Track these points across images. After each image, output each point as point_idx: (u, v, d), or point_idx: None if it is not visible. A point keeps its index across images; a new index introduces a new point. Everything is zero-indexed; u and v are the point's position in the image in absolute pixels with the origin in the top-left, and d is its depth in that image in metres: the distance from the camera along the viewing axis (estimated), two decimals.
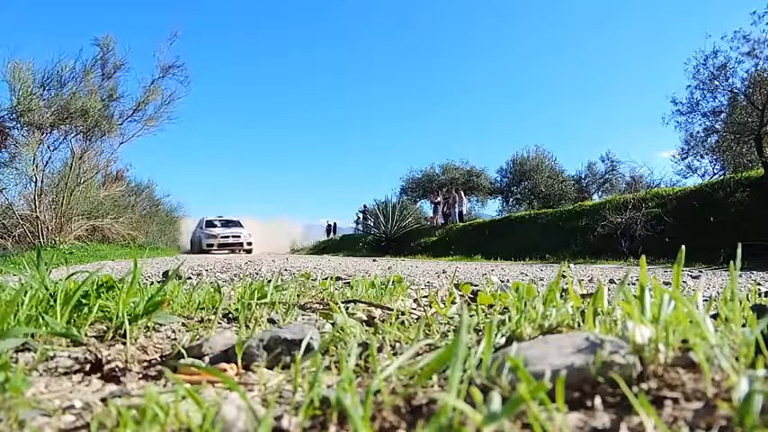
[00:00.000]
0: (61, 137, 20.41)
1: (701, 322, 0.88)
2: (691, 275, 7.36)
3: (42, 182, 20.37)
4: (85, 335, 1.42)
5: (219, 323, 1.81)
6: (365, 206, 33.53)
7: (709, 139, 23.88)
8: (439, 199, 29.69)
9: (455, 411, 0.66)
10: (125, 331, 1.32)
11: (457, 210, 28.24)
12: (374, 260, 17.22)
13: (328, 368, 1.16)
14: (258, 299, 2.05)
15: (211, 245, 27.51)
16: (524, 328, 1.20)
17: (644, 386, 0.79)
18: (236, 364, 1.19)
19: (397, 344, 1.38)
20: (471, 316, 1.59)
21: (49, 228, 20.30)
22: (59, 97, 19.14)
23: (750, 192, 14.73)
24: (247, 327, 1.65)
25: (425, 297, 2.63)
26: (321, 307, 2.19)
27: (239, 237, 28.27)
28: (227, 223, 29.86)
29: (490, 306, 2.12)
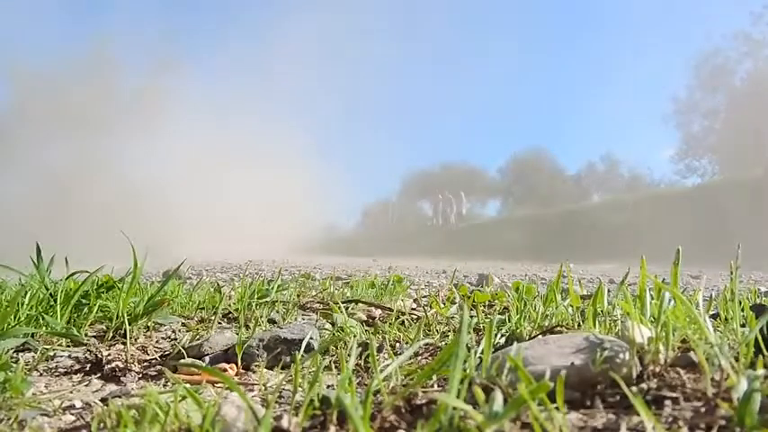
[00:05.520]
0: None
1: (700, 322, 0.88)
2: (690, 275, 7.36)
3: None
4: (86, 335, 1.42)
5: (219, 323, 1.81)
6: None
7: (708, 138, 23.91)
8: (439, 198, 29.71)
9: (455, 411, 0.66)
10: (125, 331, 1.32)
11: (455, 210, 28.26)
12: (374, 260, 17.23)
13: (328, 368, 1.16)
14: (258, 299, 2.04)
15: None
16: (524, 328, 1.20)
17: (644, 386, 0.79)
18: (236, 363, 1.19)
19: (397, 344, 1.38)
20: (471, 316, 1.59)
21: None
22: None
23: (749, 191, 14.75)
24: (247, 327, 1.65)
25: (425, 297, 2.64)
26: (321, 307, 2.19)
27: None
28: None
29: (490, 306, 2.12)
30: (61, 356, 1.26)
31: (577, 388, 0.81)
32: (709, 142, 23.80)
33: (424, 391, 0.84)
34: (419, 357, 1.21)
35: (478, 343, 0.97)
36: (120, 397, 0.98)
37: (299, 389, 0.94)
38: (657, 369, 0.83)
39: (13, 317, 1.32)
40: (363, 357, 1.17)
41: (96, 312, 1.51)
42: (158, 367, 1.19)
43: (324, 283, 2.99)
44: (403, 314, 1.70)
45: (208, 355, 1.27)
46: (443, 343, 1.31)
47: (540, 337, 1.12)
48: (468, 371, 0.85)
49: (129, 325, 1.43)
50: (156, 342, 1.45)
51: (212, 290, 2.21)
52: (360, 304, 2.07)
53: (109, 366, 1.16)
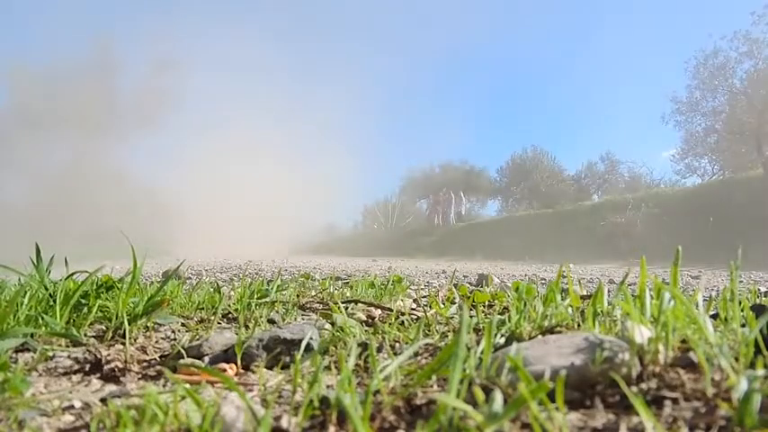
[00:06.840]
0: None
1: (700, 322, 0.88)
2: (690, 275, 7.37)
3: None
4: (85, 335, 1.42)
5: (219, 323, 1.81)
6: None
7: (708, 138, 23.90)
8: (439, 198, 29.69)
9: (455, 411, 0.66)
10: (124, 331, 1.32)
11: (454, 210, 28.27)
12: (374, 260, 17.23)
13: (328, 368, 1.16)
14: (258, 299, 2.04)
15: None
16: (524, 328, 1.20)
17: (643, 386, 0.79)
18: (236, 364, 1.19)
19: (397, 344, 1.38)
20: (471, 316, 1.59)
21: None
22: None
23: (749, 191, 14.76)
24: (247, 327, 1.65)
25: (425, 297, 2.64)
26: (321, 307, 2.19)
27: None
28: None
29: (490, 306, 2.12)
30: (60, 357, 1.25)
31: (577, 388, 0.81)
32: (710, 142, 23.79)
33: (423, 392, 0.84)
34: (419, 357, 1.21)
35: (478, 343, 0.97)
36: (119, 397, 0.97)
37: (299, 389, 0.94)
38: (657, 369, 0.83)
39: (12, 317, 1.32)
40: (363, 357, 1.17)
41: (96, 312, 1.50)
42: (158, 367, 1.19)
43: (323, 283, 2.99)
44: (403, 314, 1.70)
45: (207, 355, 1.27)
46: (443, 343, 1.31)
47: (539, 337, 1.12)
48: (467, 371, 0.85)
49: (129, 325, 1.43)
50: (156, 342, 1.45)
51: (212, 290, 2.21)
52: (359, 304, 2.06)
53: (108, 366, 1.16)
